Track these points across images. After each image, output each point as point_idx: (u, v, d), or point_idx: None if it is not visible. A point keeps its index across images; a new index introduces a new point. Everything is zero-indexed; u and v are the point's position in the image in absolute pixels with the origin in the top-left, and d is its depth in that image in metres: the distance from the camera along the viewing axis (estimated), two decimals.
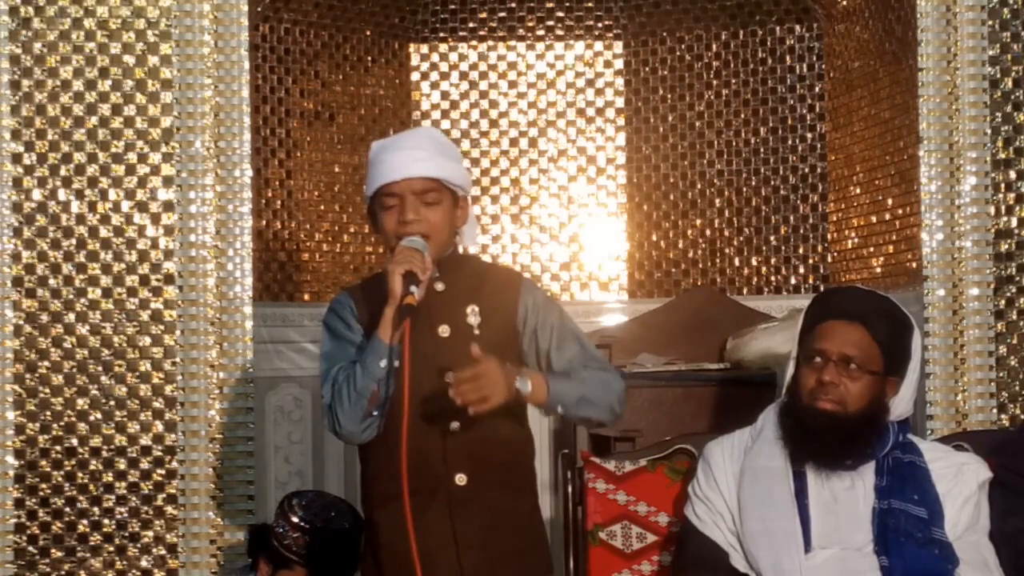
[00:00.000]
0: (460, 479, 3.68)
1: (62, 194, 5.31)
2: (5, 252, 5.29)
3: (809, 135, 6.56)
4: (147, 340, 5.30)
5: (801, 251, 6.58)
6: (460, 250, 3.83)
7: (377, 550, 3.75)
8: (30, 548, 5.27)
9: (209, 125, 5.33)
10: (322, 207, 6.48)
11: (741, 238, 6.67)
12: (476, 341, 3.63)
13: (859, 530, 3.79)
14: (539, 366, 3.77)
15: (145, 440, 5.29)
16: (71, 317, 5.29)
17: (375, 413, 3.60)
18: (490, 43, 6.85)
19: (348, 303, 3.76)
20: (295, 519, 4.51)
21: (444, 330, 3.70)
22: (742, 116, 6.65)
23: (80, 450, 5.28)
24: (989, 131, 5.29)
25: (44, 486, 5.27)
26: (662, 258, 6.79)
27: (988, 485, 3.91)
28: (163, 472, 5.29)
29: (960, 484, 3.86)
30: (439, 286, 3.72)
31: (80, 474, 5.28)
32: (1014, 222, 5.31)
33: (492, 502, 3.70)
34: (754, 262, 6.66)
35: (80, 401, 5.29)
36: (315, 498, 4.61)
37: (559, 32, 6.85)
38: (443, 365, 3.64)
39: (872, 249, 6.06)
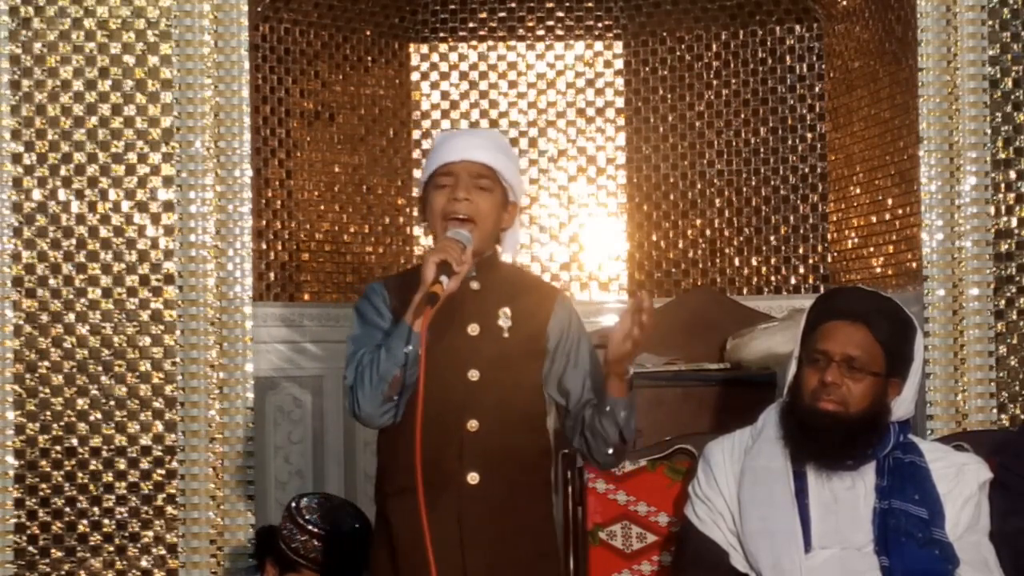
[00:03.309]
0: (472, 478, 3.67)
1: (62, 194, 5.31)
2: (5, 252, 5.29)
3: (809, 135, 6.55)
4: (147, 340, 5.30)
5: (801, 251, 6.58)
6: (500, 257, 3.83)
7: (388, 542, 3.74)
8: (30, 548, 5.27)
9: (209, 125, 5.33)
10: (322, 207, 6.48)
11: (741, 238, 6.66)
12: (504, 344, 3.68)
13: (859, 530, 3.79)
14: (558, 389, 3.80)
15: (145, 440, 5.29)
16: (71, 317, 5.29)
17: (395, 398, 3.61)
18: (490, 43, 6.85)
19: (381, 291, 3.76)
20: (302, 521, 4.50)
21: (474, 328, 3.70)
22: (742, 116, 6.64)
23: (80, 450, 5.28)
24: (989, 131, 5.29)
25: (44, 486, 5.27)
26: (662, 258, 6.79)
27: (988, 485, 3.91)
28: (163, 472, 5.29)
29: (960, 484, 3.86)
30: (475, 285, 3.73)
31: (80, 474, 5.28)
32: (1014, 222, 5.31)
33: (502, 505, 3.69)
34: (754, 262, 6.65)
35: (80, 401, 5.28)
36: (322, 500, 4.60)
37: (559, 32, 6.84)
38: (468, 364, 3.67)
39: (872, 249, 6.05)
